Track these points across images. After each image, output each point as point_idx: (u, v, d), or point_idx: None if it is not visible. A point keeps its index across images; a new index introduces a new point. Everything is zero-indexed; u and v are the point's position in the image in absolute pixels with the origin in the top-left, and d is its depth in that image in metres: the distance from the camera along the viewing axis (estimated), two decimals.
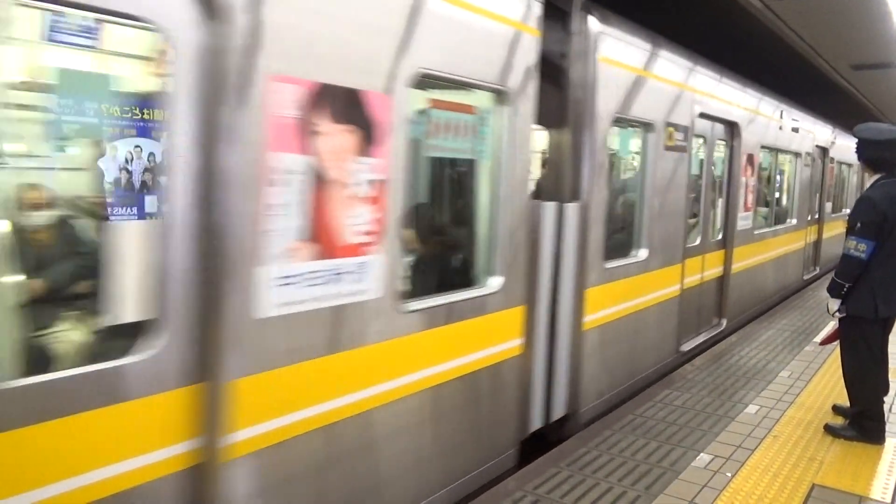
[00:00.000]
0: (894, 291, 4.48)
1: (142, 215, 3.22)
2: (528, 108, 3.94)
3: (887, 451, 4.43)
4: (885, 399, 4.67)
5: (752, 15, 7.09)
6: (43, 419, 1.99)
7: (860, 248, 4.37)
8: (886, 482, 3.99)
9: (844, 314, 4.51)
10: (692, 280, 6.58)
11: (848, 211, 5.07)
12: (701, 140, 6.68)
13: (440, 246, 4.20)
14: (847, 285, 4.43)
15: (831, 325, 4.91)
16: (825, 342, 5.02)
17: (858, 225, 4.40)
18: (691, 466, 4.10)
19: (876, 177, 4.58)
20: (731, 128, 7.36)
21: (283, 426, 2.66)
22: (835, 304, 4.53)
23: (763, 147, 8.48)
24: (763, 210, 9.12)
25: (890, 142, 4.51)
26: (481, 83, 3.60)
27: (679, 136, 5.90)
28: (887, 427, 4.62)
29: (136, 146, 3.18)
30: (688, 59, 6.13)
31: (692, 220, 6.62)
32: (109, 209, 3.20)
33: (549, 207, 4.35)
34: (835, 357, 5.54)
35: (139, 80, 3.23)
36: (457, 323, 3.55)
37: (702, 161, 6.79)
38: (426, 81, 3.30)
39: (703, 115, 6.44)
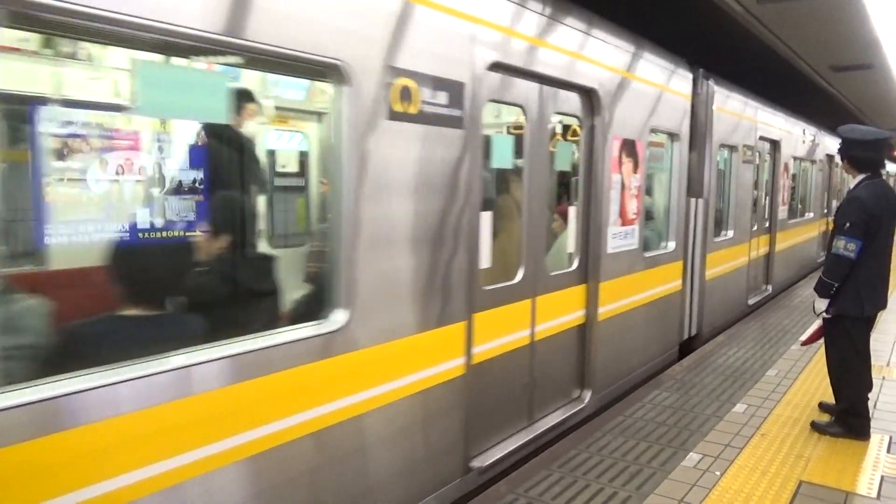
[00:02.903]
0: (879, 290, 4.56)
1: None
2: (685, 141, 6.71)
3: (872, 446, 4.50)
4: (869, 396, 4.73)
5: (734, 19, 7.18)
6: (501, 306, 4.15)
7: (849, 248, 4.41)
8: (872, 477, 4.05)
9: (831, 315, 4.57)
10: (755, 254, 9.24)
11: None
12: (757, 155, 9.02)
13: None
14: (836, 285, 4.49)
15: (814, 325, 4.97)
16: (807, 342, 5.06)
17: (847, 224, 4.44)
18: (681, 466, 4.15)
19: (861, 177, 4.65)
20: (774, 145, 9.90)
21: (613, 308, 5.29)
22: (822, 304, 4.58)
23: (794, 157, 11.14)
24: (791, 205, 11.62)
25: (875, 142, 4.58)
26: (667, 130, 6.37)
27: (749, 153, 8.47)
28: (872, 423, 4.70)
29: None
30: (751, 97, 8.53)
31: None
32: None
33: (694, 201, 6.96)
34: (820, 355, 5.61)
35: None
36: (655, 268, 6.17)
37: (757, 169, 9.15)
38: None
39: (761, 138, 9.03)
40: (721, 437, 4.61)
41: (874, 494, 3.85)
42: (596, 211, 4.98)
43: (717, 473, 4.05)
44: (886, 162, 4.78)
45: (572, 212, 4.95)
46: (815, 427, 4.74)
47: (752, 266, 9.11)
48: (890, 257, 4.65)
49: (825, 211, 14.22)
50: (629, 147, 5.38)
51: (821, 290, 4.57)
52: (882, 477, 4.05)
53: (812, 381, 5.86)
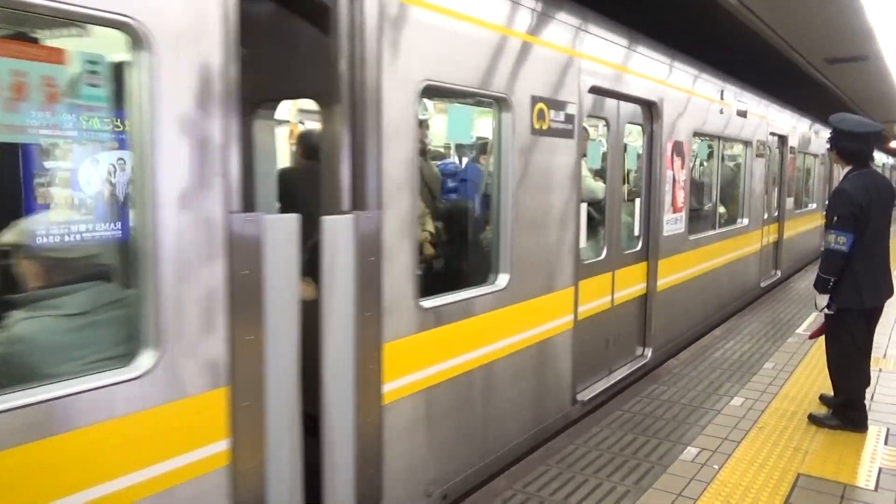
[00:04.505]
0: (879, 281, 4.54)
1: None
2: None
3: (870, 438, 4.50)
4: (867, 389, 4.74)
5: (726, 10, 7.17)
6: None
7: (840, 241, 4.40)
8: (870, 469, 4.05)
9: (833, 310, 4.54)
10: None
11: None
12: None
13: None
14: (833, 279, 4.48)
15: (819, 318, 4.95)
16: (814, 335, 5.04)
17: (835, 218, 4.44)
18: (679, 460, 4.14)
19: (847, 168, 4.64)
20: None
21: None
22: (823, 300, 4.56)
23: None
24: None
25: (868, 135, 4.56)
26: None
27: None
28: (869, 415, 4.70)
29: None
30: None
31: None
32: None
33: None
34: (817, 347, 5.62)
35: None
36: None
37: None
38: None
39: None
40: (719, 430, 4.60)
41: (872, 486, 3.85)
42: None
43: (716, 467, 4.04)
44: (880, 153, 4.76)
45: None
46: (813, 419, 4.74)
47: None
48: (888, 247, 4.65)
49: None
50: None
51: (819, 285, 4.56)
52: (880, 468, 4.05)
53: (809, 374, 5.86)
